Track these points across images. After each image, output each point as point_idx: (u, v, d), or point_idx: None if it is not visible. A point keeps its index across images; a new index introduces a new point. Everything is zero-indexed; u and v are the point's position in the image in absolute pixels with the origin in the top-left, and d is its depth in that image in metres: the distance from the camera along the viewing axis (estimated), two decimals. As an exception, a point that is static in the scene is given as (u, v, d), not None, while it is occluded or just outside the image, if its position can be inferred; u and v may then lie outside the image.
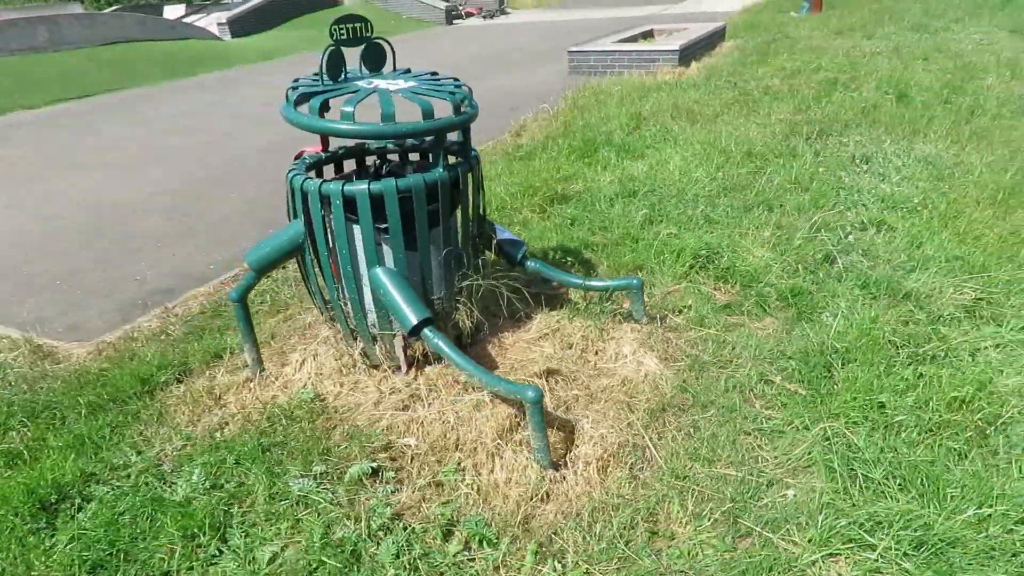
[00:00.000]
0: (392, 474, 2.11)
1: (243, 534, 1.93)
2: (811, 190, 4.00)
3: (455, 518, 1.93)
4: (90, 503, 2.09)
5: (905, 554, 1.60)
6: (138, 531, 1.96)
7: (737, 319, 2.84)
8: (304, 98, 2.26)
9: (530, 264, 2.75)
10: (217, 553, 1.88)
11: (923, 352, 2.38)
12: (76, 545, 1.91)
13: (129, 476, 2.21)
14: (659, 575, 1.69)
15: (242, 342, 2.65)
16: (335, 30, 2.31)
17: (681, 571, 1.70)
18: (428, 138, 2.59)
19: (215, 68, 13.19)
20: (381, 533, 1.89)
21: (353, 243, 2.30)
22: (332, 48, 2.30)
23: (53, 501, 2.10)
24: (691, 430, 2.19)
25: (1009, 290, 2.79)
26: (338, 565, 1.78)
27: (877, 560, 1.60)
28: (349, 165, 2.73)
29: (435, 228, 2.35)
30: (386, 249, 2.31)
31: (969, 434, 1.97)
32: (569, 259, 3.42)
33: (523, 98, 7.94)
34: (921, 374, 2.25)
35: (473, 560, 1.79)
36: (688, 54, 8.63)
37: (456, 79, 2.47)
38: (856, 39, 9.64)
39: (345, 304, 2.42)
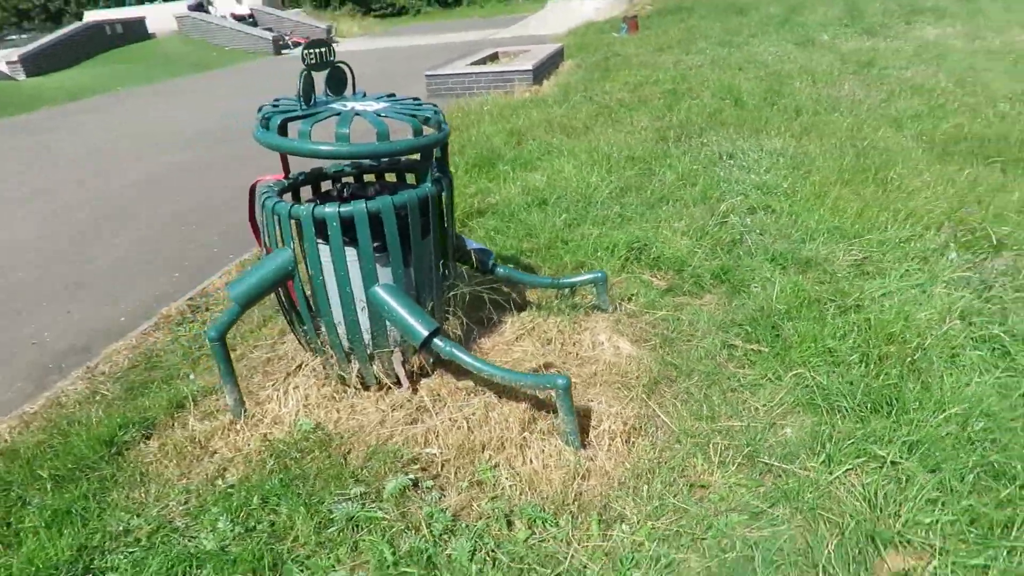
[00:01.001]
0: (431, 483, 2.15)
1: (301, 568, 1.88)
2: (699, 185, 4.52)
3: (510, 509, 2.02)
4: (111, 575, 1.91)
5: (905, 456, 1.96)
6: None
7: (681, 299, 3.17)
8: (284, 122, 2.25)
9: (500, 270, 2.89)
10: (280, 591, 1.82)
11: (845, 304, 2.84)
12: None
13: (139, 540, 2.04)
14: (712, 518, 1.91)
15: (222, 383, 2.52)
16: (306, 55, 2.32)
17: (728, 510, 1.93)
18: (388, 159, 2.65)
19: (15, 112, 11.75)
20: (446, 536, 1.93)
21: (346, 264, 2.31)
22: (305, 73, 2.30)
23: (64, 582, 1.89)
24: (685, 396, 2.46)
25: (883, 250, 3.38)
26: (420, 574, 1.81)
27: (887, 466, 1.95)
28: (305, 191, 2.70)
29: (424, 240, 2.43)
30: (380, 268, 2.34)
31: (907, 360, 2.42)
32: (511, 265, 3.59)
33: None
34: (851, 321, 2.70)
35: (544, 540, 1.90)
36: (540, 73, 9.18)
37: (418, 98, 2.57)
38: (677, 55, 10.79)
39: (339, 327, 2.41)
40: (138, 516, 2.13)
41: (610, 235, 3.73)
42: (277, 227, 2.32)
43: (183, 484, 2.26)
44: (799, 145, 5.37)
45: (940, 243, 3.40)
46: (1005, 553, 1.63)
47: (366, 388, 2.63)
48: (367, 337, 2.44)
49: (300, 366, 2.81)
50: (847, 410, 2.24)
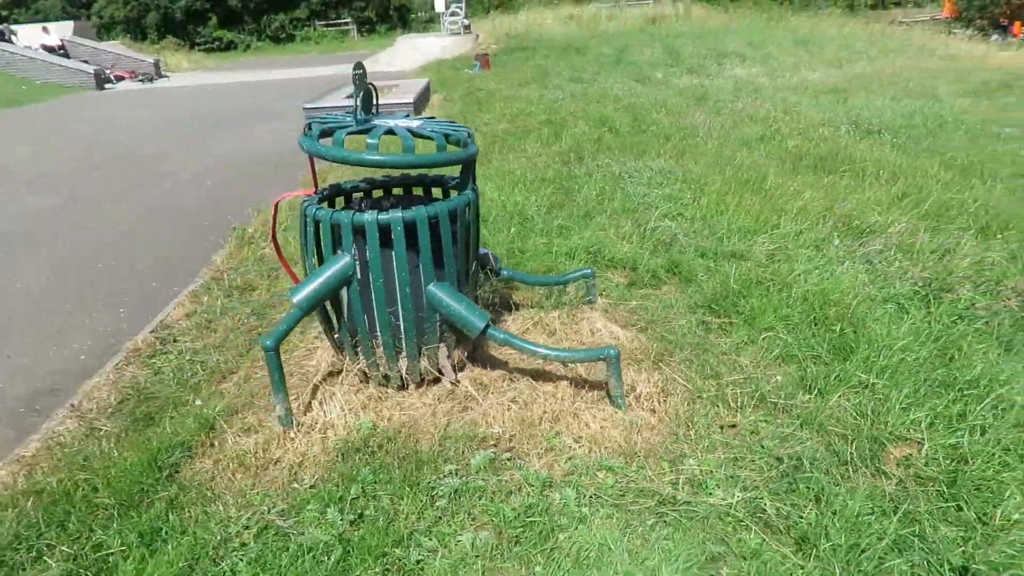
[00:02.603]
0: (507, 454, 2.40)
1: (429, 538, 2.05)
2: (616, 199, 5.12)
3: (588, 464, 2.33)
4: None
5: (876, 381, 2.56)
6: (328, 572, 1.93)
7: (644, 291, 3.68)
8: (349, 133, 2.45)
9: (505, 272, 3.20)
10: (418, 561, 1.98)
11: (782, 282, 3.50)
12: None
13: (246, 544, 2.08)
14: (753, 445, 2.36)
15: (274, 393, 2.57)
16: (356, 76, 2.54)
17: (763, 438, 2.40)
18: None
19: None
20: (547, 491, 2.20)
21: (407, 266, 2.51)
22: (364, 92, 2.52)
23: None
24: (688, 363, 2.92)
25: (786, 242, 4.15)
26: (542, 521, 2.06)
27: (867, 389, 2.54)
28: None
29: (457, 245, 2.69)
30: (416, 272, 2.56)
31: (845, 318, 3.08)
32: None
33: (274, 156, 7.91)
34: (793, 294, 3.34)
35: (632, 482, 2.24)
36: (418, 106, 9.52)
37: (434, 118, 2.85)
38: (537, 90, 11.68)
39: (396, 325, 2.59)
40: (225, 528, 2.15)
41: (563, 243, 4.17)
42: (326, 236, 2.47)
43: (260, 491, 2.30)
44: (680, 164, 6.21)
45: (826, 233, 4.24)
46: (967, 433, 2.26)
47: (403, 388, 2.80)
48: (420, 336, 2.63)
49: (329, 375, 2.90)
50: (817, 356, 2.84)
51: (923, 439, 2.27)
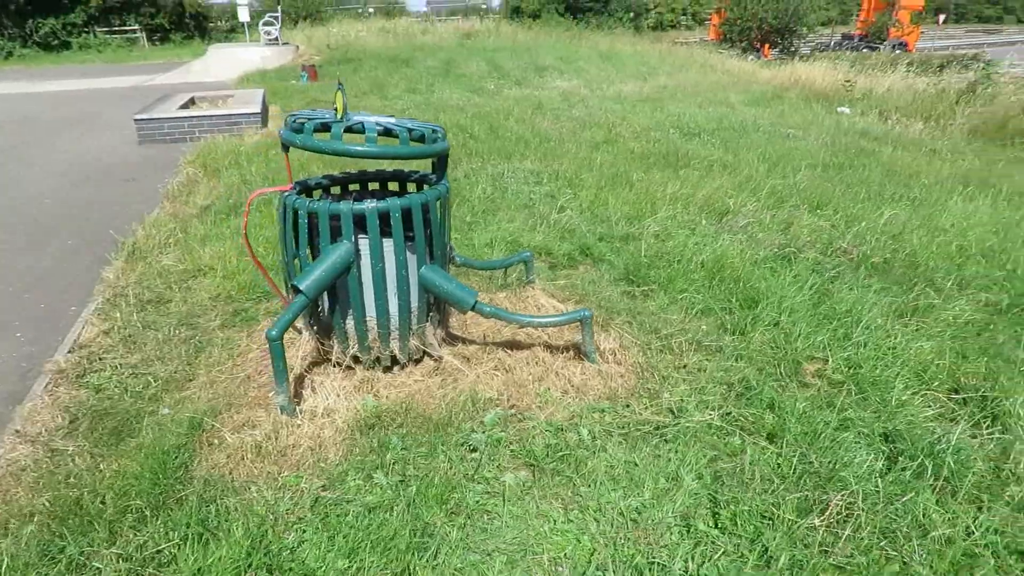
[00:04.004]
0: (512, 410, 2.70)
1: (475, 482, 2.30)
2: (506, 197, 5.55)
3: (583, 408, 2.71)
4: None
5: (780, 320, 3.23)
6: (386, 530, 2.10)
7: (565, 271, 4.13)
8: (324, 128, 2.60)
9: (459, 259, 3.47)
10: (476, 501, 2.22)
11: (679, 256, 4.14)
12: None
13: (304, 518, 2.17)
14: (708, 375, 2.89)
15: (277, 382, 2.62)
16: (339, 83, 2.68)
17: (712, 371, 2.93)
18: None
19: None
20: (562, 432, 2.54)
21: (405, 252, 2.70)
22: (342, 91, 2.67)
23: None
24: (628, 324, 3.41)
25: (666, 224, 4.85)
26: (568, 454, 2.40)
27: (777, 327, 3.19)
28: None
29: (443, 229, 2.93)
30: (410, 256, 2.78)
31: (739, 278, 3.77)
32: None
33: (116, 168, 7.30)
34: (691, 263, 3.99)
35: (623, 417, 2.65)
36: (264, 116, 9.22)
37: (414, 119, 3.07)
38: (377, 100, 11.78)
39: (391, 308, 2.76)
40: (280, 503, 2.22)
41: (481, 235, 4.50)
42: (321, 226, 2.60)
43: (291, 474, 2.38)
44: (547, 165, 6.81)
45: (694, 215, 5.01)
46: (855, 348, 2.98)
47: (388, 369, 2.97)
48: (412, 317, 2.83)
49: (312, 365, 2.97)
50: (730, 308, 3.47)
51: (826, 356, 2.96)
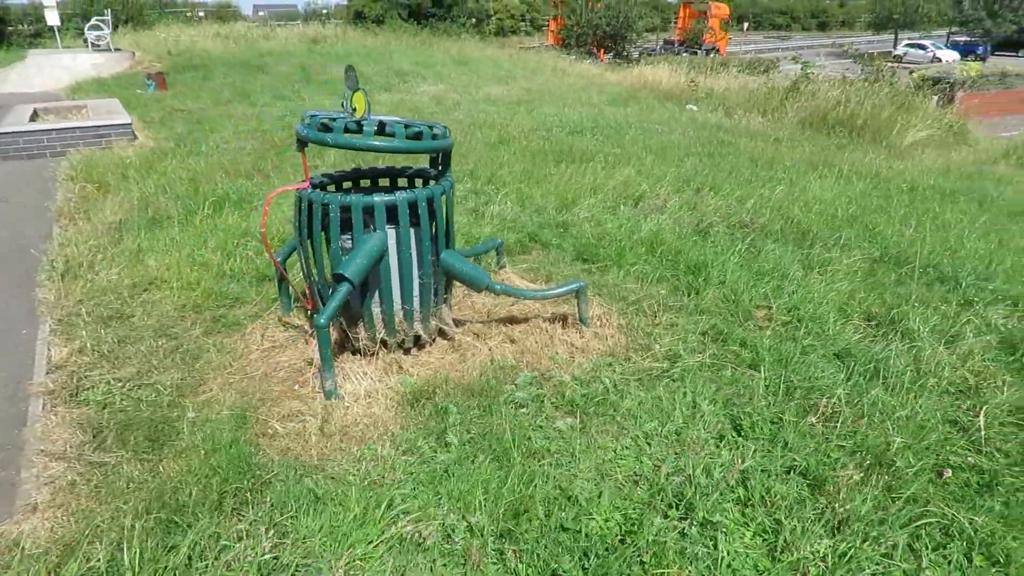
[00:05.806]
0: (537, 373, 3.05)
1: (536, 430, 2.63)
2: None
3: (594, 366, 3.12)
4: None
5: (725, 282, 3.85)
6: (480, 475, 2.39)
7: (521, 257, 4.52)
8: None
9: (444, 248, 3.73)
10: (541, 445, 2.56)
11: (617, 236, 4.67)
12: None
13: (413, 474, 2.38)
14: (684, 328, 3.42)
15: (324, 368, 2.78)
16: (352, 75, 2.87)
17: (684, 324, 3.47)
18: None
19: None
20: (588, 382, 2.94)
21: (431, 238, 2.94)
22: (357, 91, 2.86)
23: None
24: (597, 295, 3.87)
25: (593, 210, 5.38)
26: (603, 400, 2.81)
27: (724, 287, 3.80)
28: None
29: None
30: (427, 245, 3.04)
31: (678, 250, 4.37)
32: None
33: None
34: (630, 240, 4.54)
35: (631, 367, 3.10)
36: (130, 126, 8.64)
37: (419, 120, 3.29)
38: (244, 107, 11.36)
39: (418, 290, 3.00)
40: (371, 471, 2.42)
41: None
42: (354, 217, 2.79)
43: (364, 447, 2.57)
44: (460, 165, 7.12)
45: (613, 201, 5.61)
46: (790, 295, 3.66)
47: (407, 352, 3.20)
48: (434, 299, 3.08)
49: (333, 355, 3.11)
50: (678, 275, 4.05)
51: (770, 303, 3.61)
